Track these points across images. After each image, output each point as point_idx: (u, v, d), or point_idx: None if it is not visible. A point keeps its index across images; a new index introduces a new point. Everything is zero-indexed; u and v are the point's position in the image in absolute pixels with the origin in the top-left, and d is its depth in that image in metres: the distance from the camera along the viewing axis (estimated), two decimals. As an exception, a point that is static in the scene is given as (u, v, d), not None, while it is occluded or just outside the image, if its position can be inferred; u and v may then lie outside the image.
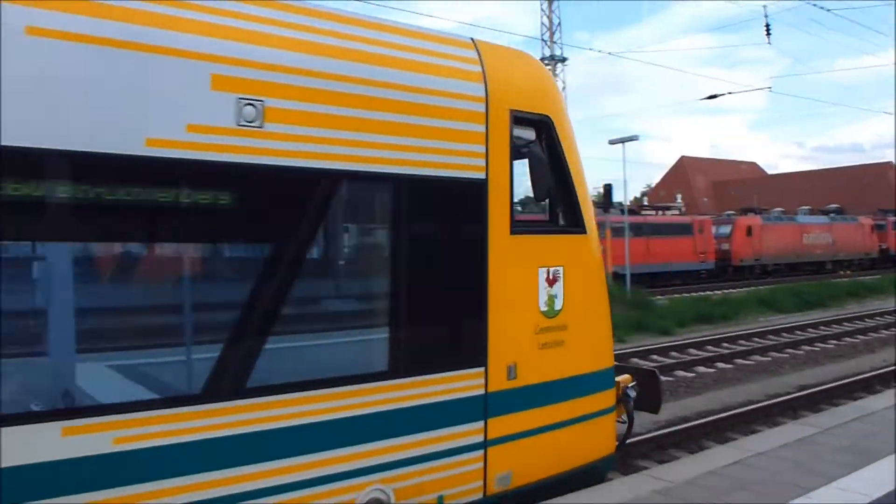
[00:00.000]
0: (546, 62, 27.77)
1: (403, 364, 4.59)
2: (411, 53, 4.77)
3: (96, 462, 3.47)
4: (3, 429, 3.26)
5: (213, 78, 3.82)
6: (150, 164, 3.66)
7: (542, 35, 27.93)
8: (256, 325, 4.06)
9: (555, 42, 27.85)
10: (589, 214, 5.68)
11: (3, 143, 3.28)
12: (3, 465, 3.23)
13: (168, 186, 3.80)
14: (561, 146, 5.46)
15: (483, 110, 5.00)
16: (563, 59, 28.06)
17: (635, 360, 16.22)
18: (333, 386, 4.30)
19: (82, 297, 3.87)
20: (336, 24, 4.46)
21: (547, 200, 5.49)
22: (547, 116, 5.42)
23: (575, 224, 5.57)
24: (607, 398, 5.84)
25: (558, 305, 5.39)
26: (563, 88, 28.18)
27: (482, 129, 4.98)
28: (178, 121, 3.72)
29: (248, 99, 3.93)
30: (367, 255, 5.39)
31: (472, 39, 5.25)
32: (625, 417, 6.18)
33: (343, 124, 4.27)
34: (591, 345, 5.70)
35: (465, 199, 4.94)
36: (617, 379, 6.05)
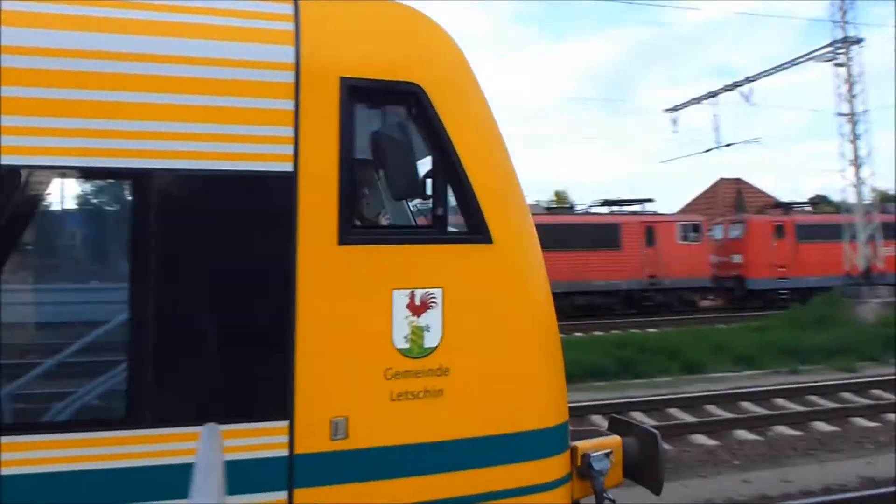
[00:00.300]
0: (838, 46, 24.83)
1: (154, 410, 3.48)
2: (176, 14, 3.75)
3: None
4: None
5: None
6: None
7: (832, 16, 25.05)
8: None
9: (847, 22, 24.82)
10: (501, 217, 4.05)
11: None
12: None
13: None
14: (442, 124, 3.97)
15: (291, 80, 3.78)
16: (858, 41, 24.85)
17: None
18: (23, 433, 3.33)
19: None
20: None
21: (423, 200, 4.07)
22: (414, 85, 3.98)
23: (475, 230, 4.00)
24: (545, 469, 4.05)
25: (432, 341, 3.89)
26: (860, 73, 24.95)
27: (289, 105, 3.77)
28: None
29: None
30: (95, 268, 4.45)
31: None
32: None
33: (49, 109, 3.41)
34: (505, 395, 4.01)
35: (255, 198, 3.75)
36: (577, 444, 4.29)
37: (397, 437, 3.81)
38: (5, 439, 3.28)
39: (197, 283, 3.68)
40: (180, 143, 3.60)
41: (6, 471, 3.25)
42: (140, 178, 3.52)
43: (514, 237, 4.10)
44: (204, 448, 3.14)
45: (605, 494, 4.19)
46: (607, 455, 4.26)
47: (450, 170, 3.98)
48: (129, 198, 3.59)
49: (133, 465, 3.43)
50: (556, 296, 4.52)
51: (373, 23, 4.13)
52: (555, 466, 4.07)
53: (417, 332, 3.86)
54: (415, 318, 3.86)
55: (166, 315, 3.54)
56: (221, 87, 3.68)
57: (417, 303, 3.88)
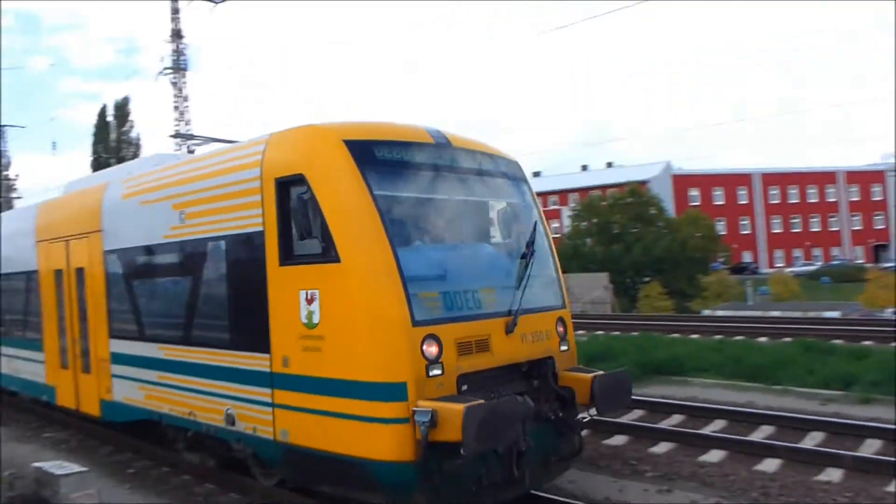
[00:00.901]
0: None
1: (221, 342, 7.97)
2: (217, 159, 8.38)
3: (156, 359, 9.01)
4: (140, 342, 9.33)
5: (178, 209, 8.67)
6: (163, 244, 8.98)
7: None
8: (190, 327, 8.61)
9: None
10: (348, 249, 6.52)
11: (132, 245, 9.55)
12: (141, 355, 9.30)
13: (168, 252, 8.94)
14: (313, 193, 6.74)
15: (258, 185, 7.32)
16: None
17: None
18: (196, 345, 8.40)
19: (158, 300, 9.33)
20: (198, 158, 9.29)
21: (313, 238, 6.76)
22: (300, 175, 6.90)
23: (332, 257, 6.58)
24: (381, 408, 6.25)
25: (316, 320, 6.70)
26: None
27: (258, 197, 7.32)
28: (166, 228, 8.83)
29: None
30: (209, 284, 8.39)
31: (269, 136, 7.59)
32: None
33: (213, 212, 8.10)
34: (355, 356, 6.46)
35: (252, 242, 7.44)
36: (420, 401, 6.17)
37: (305, 370, 6.87)
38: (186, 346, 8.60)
39: (211, 286, 8.22)
40: (196, 223, 8.32)
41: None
42: (194, 244, 8.38)
43: (356, 260, 6.54)
44: None
45: (426, 440, 5.99)
46: (431, 413, 5.99)
47: (320, 221, 6.70)
48: (219, 248, 8.10)
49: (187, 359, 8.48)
50: None
51: (291, 142, 7.37)
52: (382, 409, 6.25)
53: (310, 314, 6.76)
54: (308, 306, 6.77)
55: (219, 306, 8.08)
56: (235, 195, 7.67)
57: (308, 298, 6.76)
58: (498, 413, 6.09)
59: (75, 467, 6.39)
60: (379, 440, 6.28)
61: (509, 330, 7.03)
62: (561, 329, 7.83)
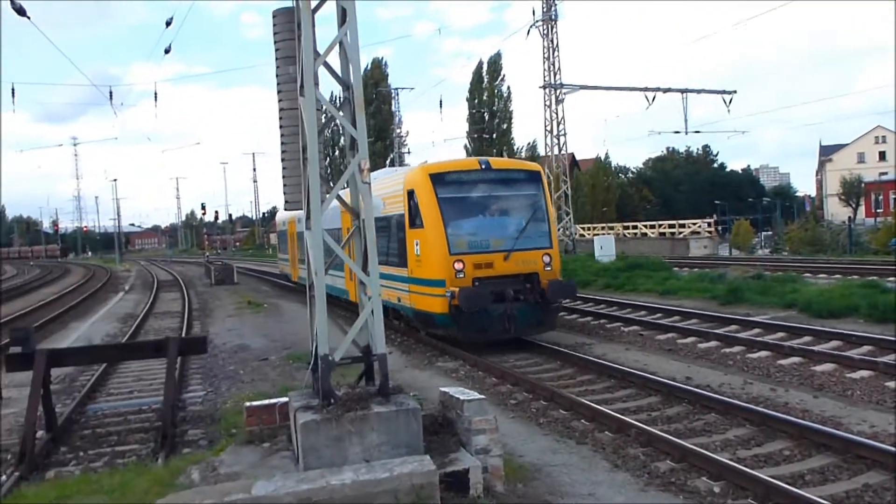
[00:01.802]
0: None
1: (396, 264, 16.01)
2: (394, 179, 16.77)
3: (385, 274, 15.05)
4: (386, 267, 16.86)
5: (383, 200, 16.61)
6: (383, 217, 16.16)
7: None
8: (388, 257, 16.41)
9: None
10: (426, 222, 14.54)
11: (384, 214, 16.69)
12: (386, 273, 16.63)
13: (386, 222, 16.39)
14: (417, 198, 14.79)
15: (403, 192, 15.37)
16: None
17: None
18: (390, 265, 16.12)
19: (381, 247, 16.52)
20: (389, 177, 17.77)
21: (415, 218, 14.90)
22: (413, 189, 14.91)
23: (421, 226, 14.56)
24: (436, 290, 14.11)
25: (419, 252, 14.74)
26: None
27: (402, 197, 15.36)
28: (380, 208, 16.33)
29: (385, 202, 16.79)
30: (393, 238, 16.26)
31: (410, 168, 18.18)
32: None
33: (391, 204, 16.41)
34: (429, 268, 14.38)
35: (402, 219, 15.49)
36: (451, 286, 13.84)
37: (416, 275, 15.20)
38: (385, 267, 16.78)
39: (394, 239, 16.62)
40: (389, 209, 16.62)
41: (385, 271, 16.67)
42: (390, 217, 16.56)
43: (428, 228, 14.61)
44: None
45: (452, 302, 13.81)
46: (452, 292, 13.85)
47: (418, 211, 14.91)
48: (393, 221, 16.56)
49: (395, 274, 16.43)
50: None
51: (412, 173, 15.97)
52: (437, 290, 14.27)
53: (417, 251, 15.12)
54: (417, 247, 15.08)
55: (396, 248, 16.50)
56: (397, 196, 16.21)
57: (416, 243, 15.07)
58: (474, 293, 13.78)
59: (475, 394, 6.95)
60: (437, 304, 14.14)
61: (506, 258, 14.45)
62: (546, 259, 14.86)
